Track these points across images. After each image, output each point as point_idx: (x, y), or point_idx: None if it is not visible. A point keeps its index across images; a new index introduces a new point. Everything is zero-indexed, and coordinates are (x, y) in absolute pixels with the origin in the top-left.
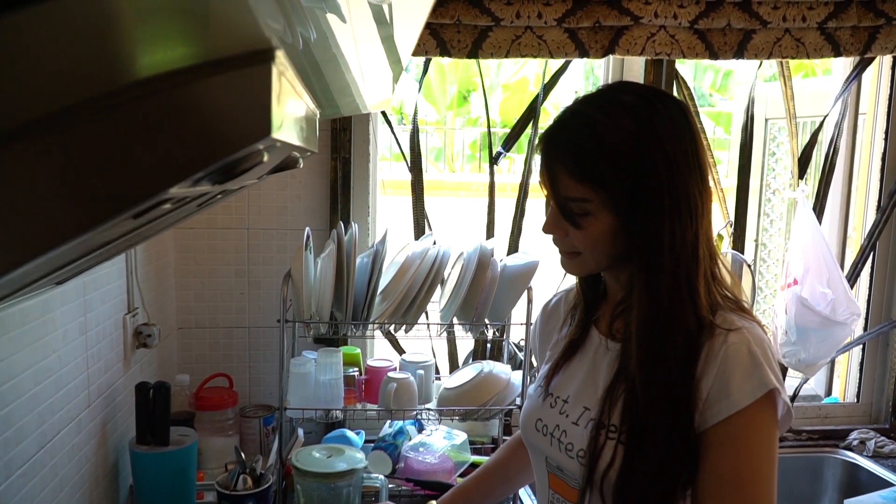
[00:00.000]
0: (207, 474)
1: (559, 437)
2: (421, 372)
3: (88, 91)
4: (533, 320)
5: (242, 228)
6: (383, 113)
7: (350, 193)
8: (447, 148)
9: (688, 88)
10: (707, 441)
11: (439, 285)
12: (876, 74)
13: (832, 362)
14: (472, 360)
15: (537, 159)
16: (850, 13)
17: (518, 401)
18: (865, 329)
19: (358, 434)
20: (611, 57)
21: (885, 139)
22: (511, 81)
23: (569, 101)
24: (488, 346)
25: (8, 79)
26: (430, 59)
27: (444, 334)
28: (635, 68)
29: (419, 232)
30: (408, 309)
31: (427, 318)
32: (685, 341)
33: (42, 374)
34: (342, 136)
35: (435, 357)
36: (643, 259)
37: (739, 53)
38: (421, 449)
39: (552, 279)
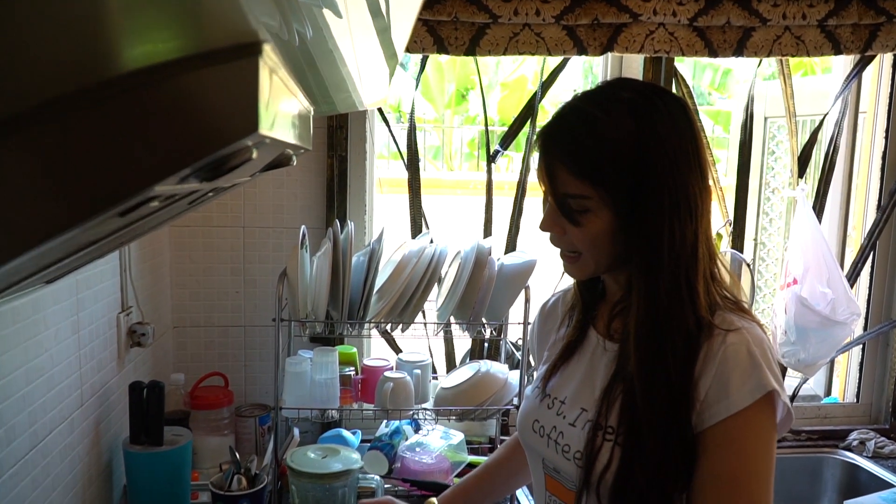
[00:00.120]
0: (202, 474)
1: (556, 438)
2: (417, 371)
3: (66, 86)
4: (531, 320)
5: (238, 227)
6: (380, 111)
7: (347, 192)
8: (445, 146)
9: (687, 86)
10: (704, 442)
11: (436, 284)
12: (876, 72)
13: (832, 362)
14: (469, 359)
15: (535, 157)
16: (850, 11)
17: (515, 400)
18: (865, 329)
19: (354, 434)
20: (609, 55)
21: (886, 138)
22: (510, 80)
23: (567, 99)
24: (485, 345)
25: None
26: (427, 57)
27: (441, 333)
28: (634, 66)
29: (416, 230)
30: (404, 308)
31: (424, 317)
32: (684, 341)
33: (34, 374)
34: (338, 133)
35: (432, 356)
36: (642, 258)
37: (739, 51)
38: (417, 449)
39: (550, 278)
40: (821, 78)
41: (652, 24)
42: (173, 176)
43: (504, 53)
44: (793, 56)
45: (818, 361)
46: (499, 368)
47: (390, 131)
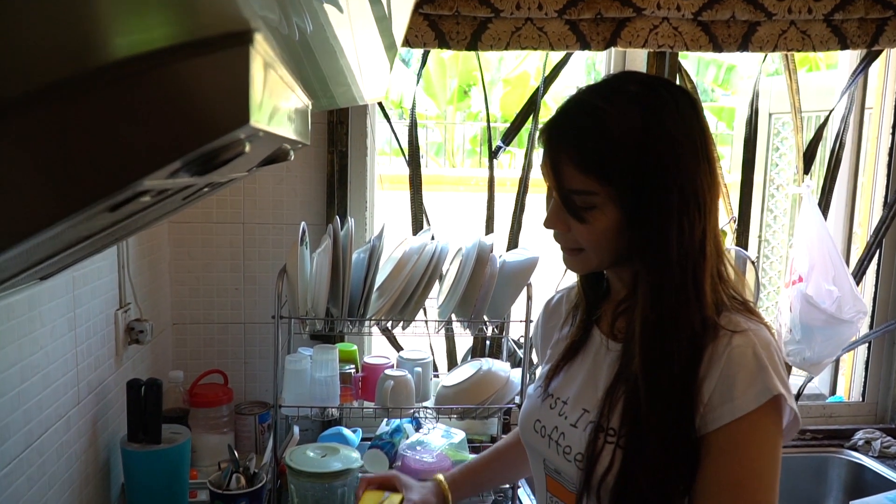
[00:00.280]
0: (202, 472)
1: (557, 439)
2: (418, 369)
3: (48, 76)
4: (533, 317)
5: (238, 223)
6: (382, 107)
7: (347, 188)
8: (447, 143)
9: (691, 82)
10: (707, 446)
11: (437, 281)
12: (883, 68)
13: (837, 360)
14: (471, 357)
15: (538, 153)
16: (857, 5)
17: (517, 399)
18: (871, 327)
19: (354, 432)
20: (612, 50)
21: (893, 134)
22: (512, 76)
23: (572, 93)
24: (487, 343)
25: None
26: (428, 52)
27: (443, 331)
28: (637, 61)
29: (417, 227)
30: (405, 305)
31: (425, 314)
32: (689, 341)
33: (29, 371)
34: (339, 129)
35: (433, 354)
36: (648, 255)
37: (744, 46)
38: (418, 447)
39: (552, 275)
40: (825, 74)
41: (656, 19)
42: (162, 170)
43: (506, 48)
44: (798, 51)
45: (823, 360)
46: (500, 366)
47: (391, 127)
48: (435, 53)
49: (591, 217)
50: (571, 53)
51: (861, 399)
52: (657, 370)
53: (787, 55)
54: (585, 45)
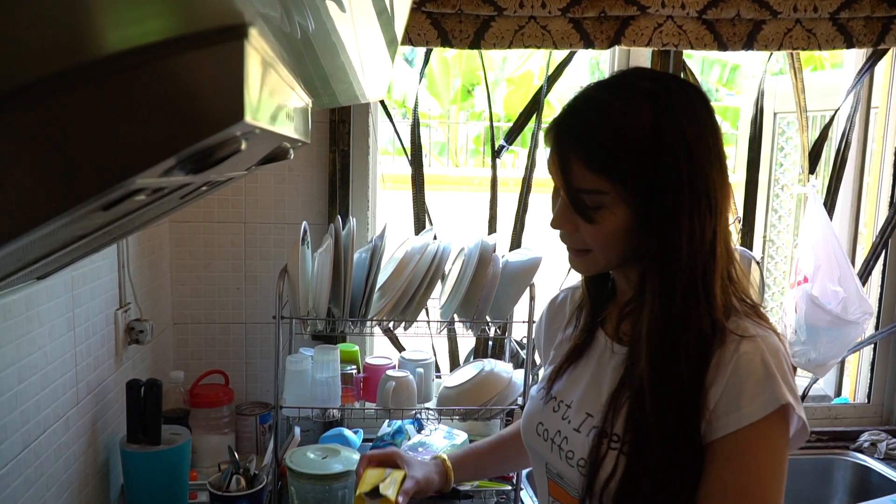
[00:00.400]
0: (202, 473)
1: (560, 443)
2: (420, 370)
3: (37, 71)
4: (536, 318)
5: (239, 222)
6: (384, 106)
7: (349, 187)
8: (451, 142)
9: (696, 81)
10: (712, 453)
11: (439, 281)
12: (889, 67)
13: (842, 362)
14: (473, 358)
15: (541, 152)
16: (862, 3)
17: (520, 400)
18: (877, 328)
19: (356, 433)
20: (616, 48)
21: None
22: (515, 75)
23: (576, 91)
24: (489, 343)
25: None
26: (430, 51)
27: (445, 332)
28: (642, 60)
29: (419, 227)
30: (407, 305)
31: (427, 315)
32: (698, 345)
33: (26, 371)
34: (341, 128)
35: (435, 355)
36: (658, 256)
37: (749, 45)
38: (420, 449)
39: (555, 275)
40: (831, 73)
41: (660, 17)
42: (155, 168)
43: (509, 47)
44: (804, 50)
45: (829, 361)
46: (503, 367)
47: (394, 126)
48: (438, 53)
49: (600, 217)
50: (575, 52)
51: (867, 400)
52: (664, 373)
53: (792, 54)
54: (589, 44)
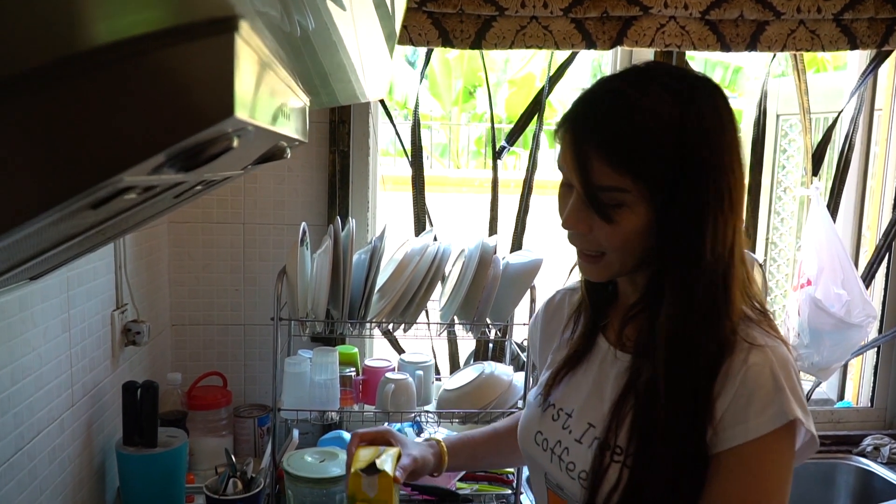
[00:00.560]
0: (199, 476)
1: (560, 454)
2: (420, 373)
3: (19, 64)
4: None
5: (238, 223)
6: (384, 106)
7: (349, 188)
8: (452, 144)
9: None
10: (717, 465)
11: (439, 283)
12: (893, 68)
13: (845, 365)
14: (474, 360)
15: (543, 154)
16: (867, 4)
17: (520, 403)
18: (880, 331)
19: None
20: (619, 49)
21: None
22: (517, 77)
23: (577, 93)
24: (490, 346)
25: None
26: (431, 51)
27: (445, 334)
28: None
29: (420, 228)
30: (406, 307)
31: (427, 317)
32: (716, 352)
33: (20, 373)
34: (341, 128)
35: (435, 357)
36: (680, 258)
37: (752, 46)
38: None
39: (556, 277)
40: (834, 75)
41: (663, 18)
42: (143, 164)
43: (511, 47)
44: (807, 51)
45: (832, 365)
46: (503, 370)
47: (394, 127)
48: (440, 54)
49: (618, 216)
50: (577, 53)
51: (870, 404)
52: (680, 380)
53: (795, 55)
54: (591, 45)
